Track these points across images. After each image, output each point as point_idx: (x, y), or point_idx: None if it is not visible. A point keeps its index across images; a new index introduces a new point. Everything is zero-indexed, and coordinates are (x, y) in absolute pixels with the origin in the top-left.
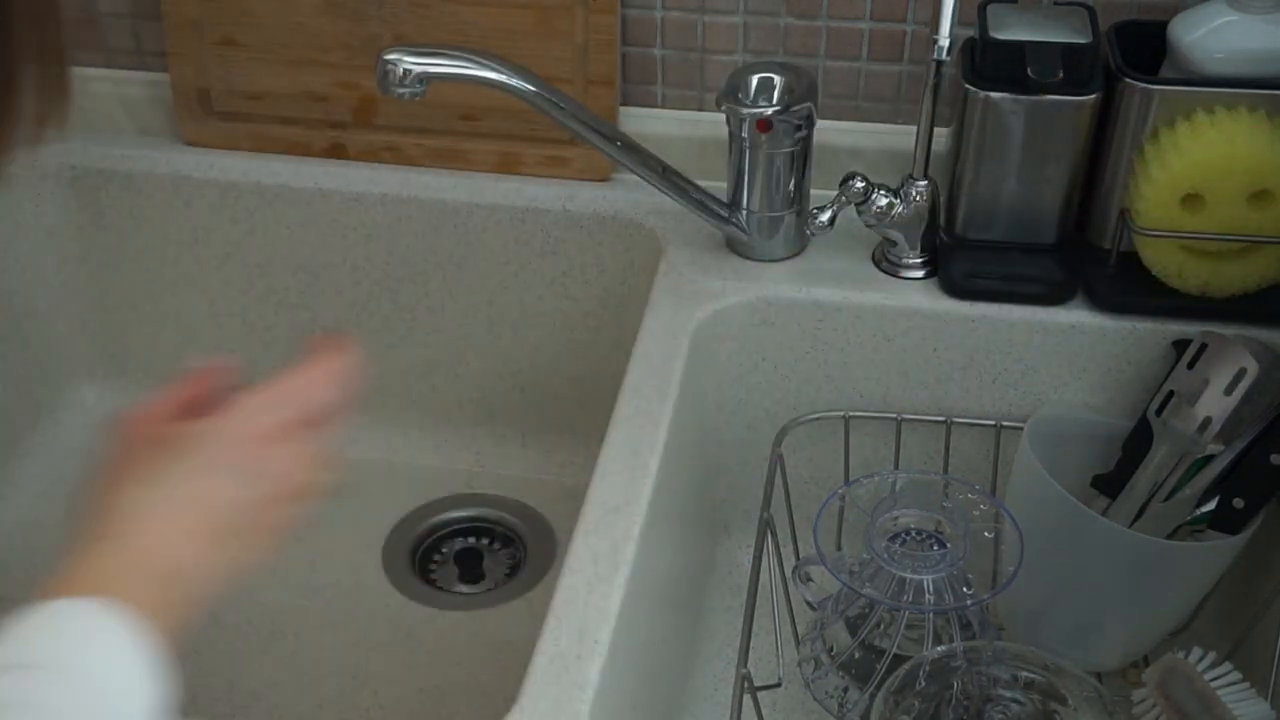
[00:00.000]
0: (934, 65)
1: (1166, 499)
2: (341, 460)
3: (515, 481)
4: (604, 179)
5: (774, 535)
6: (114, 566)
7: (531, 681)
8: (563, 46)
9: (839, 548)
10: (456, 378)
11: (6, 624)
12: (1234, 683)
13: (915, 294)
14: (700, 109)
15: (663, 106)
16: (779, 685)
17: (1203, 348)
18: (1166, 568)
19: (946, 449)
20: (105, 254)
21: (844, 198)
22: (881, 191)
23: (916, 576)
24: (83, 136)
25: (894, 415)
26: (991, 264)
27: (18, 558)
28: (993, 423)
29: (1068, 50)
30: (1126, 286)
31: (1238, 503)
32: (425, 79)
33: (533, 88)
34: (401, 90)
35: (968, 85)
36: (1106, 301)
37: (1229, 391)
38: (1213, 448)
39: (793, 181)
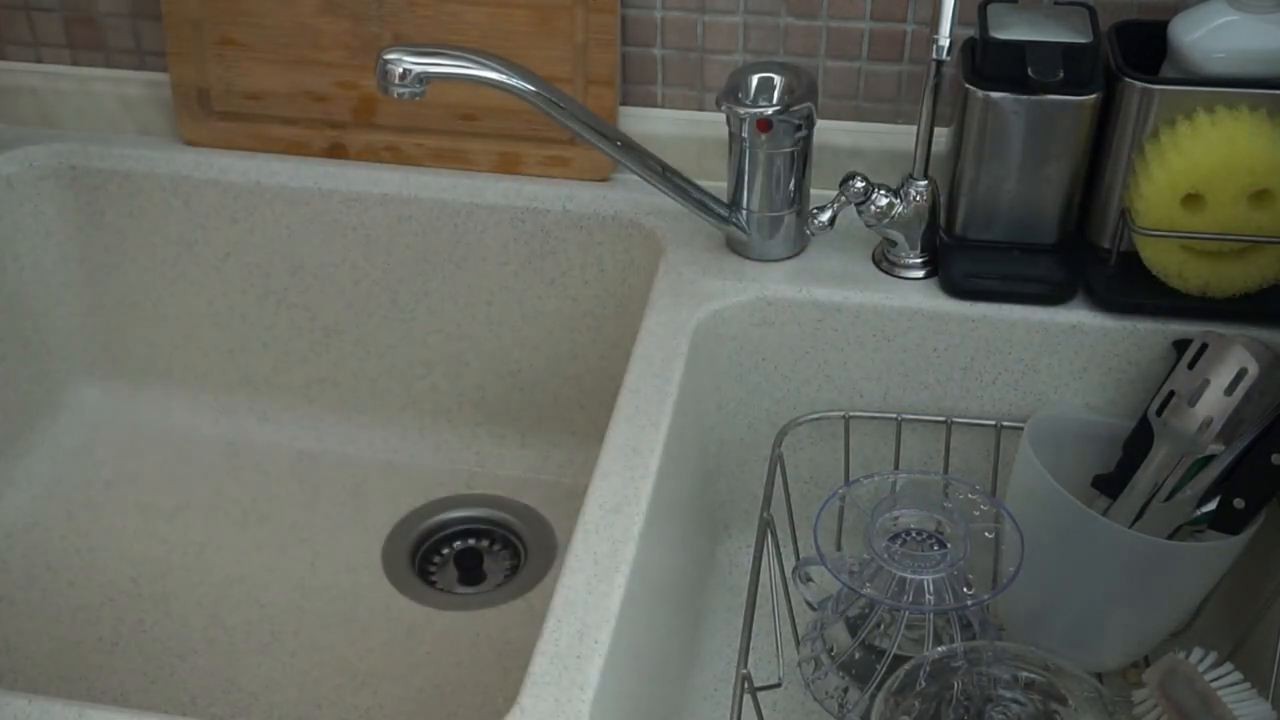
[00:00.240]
0: (934, 65)
1: (1167, 499)
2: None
3: (515, 481)
4: (604, 179)
5: (774, 535)
6: None
7: (531, 681)
8: (562, 46)
9: (839, 548)
10: (456, 378)
11: None
12: (1235, 683)
13: (915, 294)
14: (700, 109)
15: (663, 106)
16: (779, 685)
17: (1203, 348)
18: (1167, 568)
19: (946, 449)
20: (105, 254)
21: (844, 198)
22: (881, 191)
23: (917, 577)
24: (83, 136)
25: (894, 415)
26: (991, 264)
27: (18, 558)
28: (993, 423)
29: (1068, 50)
30: (1127, 286)
31: (1238, 503)
32: (425, 79)
33: (533, 88)
34: (401, 90)
35: (968, 85)
36: (1107, 301)
37: (1229, 391)
38: (1213, 448)
39: (793, 181)
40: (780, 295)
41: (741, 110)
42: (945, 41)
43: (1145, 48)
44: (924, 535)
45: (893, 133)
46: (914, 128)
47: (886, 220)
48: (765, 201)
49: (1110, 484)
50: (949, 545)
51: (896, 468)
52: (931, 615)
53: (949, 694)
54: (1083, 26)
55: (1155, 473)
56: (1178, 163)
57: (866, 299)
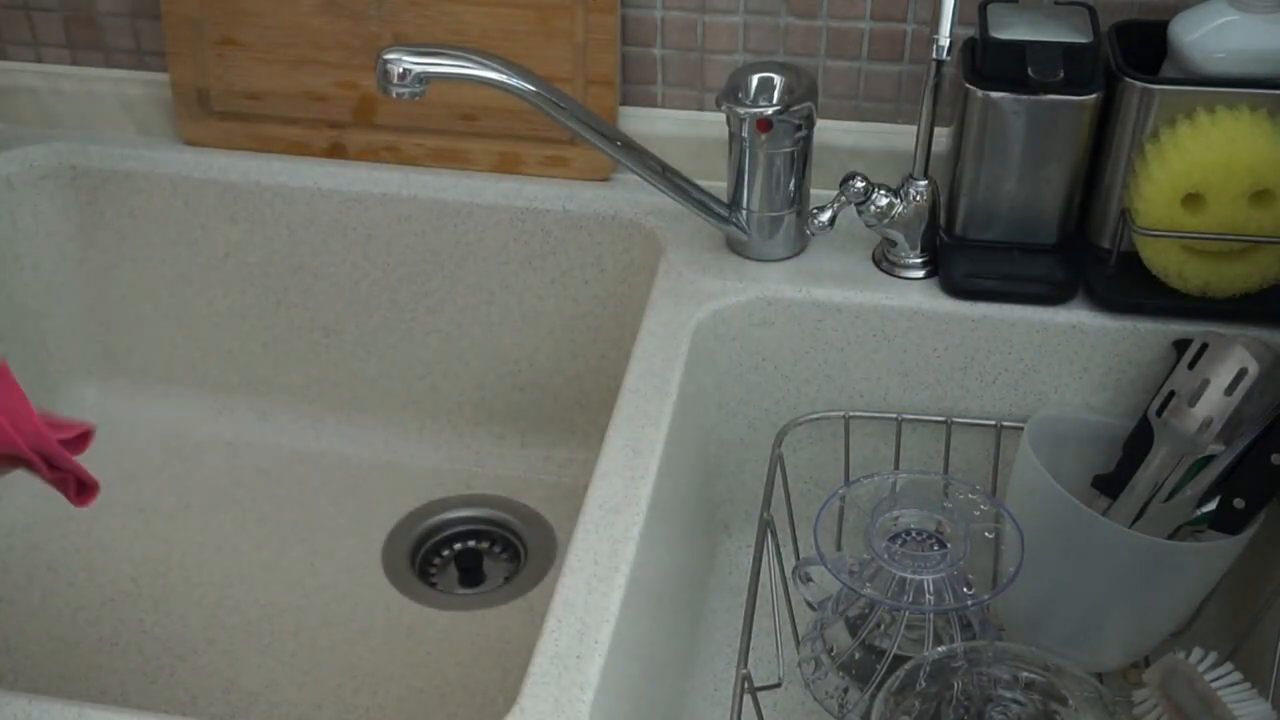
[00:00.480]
0: (934, 65)
1: (1167, 499)
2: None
3: (515, 482)
4: (604, 179)
5: (774, 535)
6: None
7: (531, 681)
8: (562, 46)
9: (839, 548)
10: (456, 378)
11: None
12: (1235, 683)
13: (915, 294)
14: (700, 109)
15: (663, 106)
16: (779, 685)
17: (1203, 348)
18: (1167, 568)
19: (947, 449)
20: (105, 254)
21: (844, 198)
22: (881, 191)
23: (917, 577)
24: (83, 136)
25: (894, 415)
26: (991, 264)
27: (18, 558)
28: (993, 423)
29: (1068, 50)
30: (1127, 286)
31: (1238, 503)
32: (425, 79)
33: (533, 88)
34: (401, 90)
35: (968, 85)
36: (1107, 301)
37: (1229, 391)
38: (1213, 448)
39: (793, 181)
40: (780, 295)
41: (741, 110)
42: (945, 41)
43: (1145, 48)
44: (924, 535)
45: (893, 133)
46: (914, 128)
47: (886, 220)
48: (765, 201)
49: (1110, 484)
50: (949, 545)
51: (896, 468)
52: (931, 615)
53: (949, 694)
54: (1083, 26)
55: (1155, 473)
56: (1178, 163)
57: (866, 299)
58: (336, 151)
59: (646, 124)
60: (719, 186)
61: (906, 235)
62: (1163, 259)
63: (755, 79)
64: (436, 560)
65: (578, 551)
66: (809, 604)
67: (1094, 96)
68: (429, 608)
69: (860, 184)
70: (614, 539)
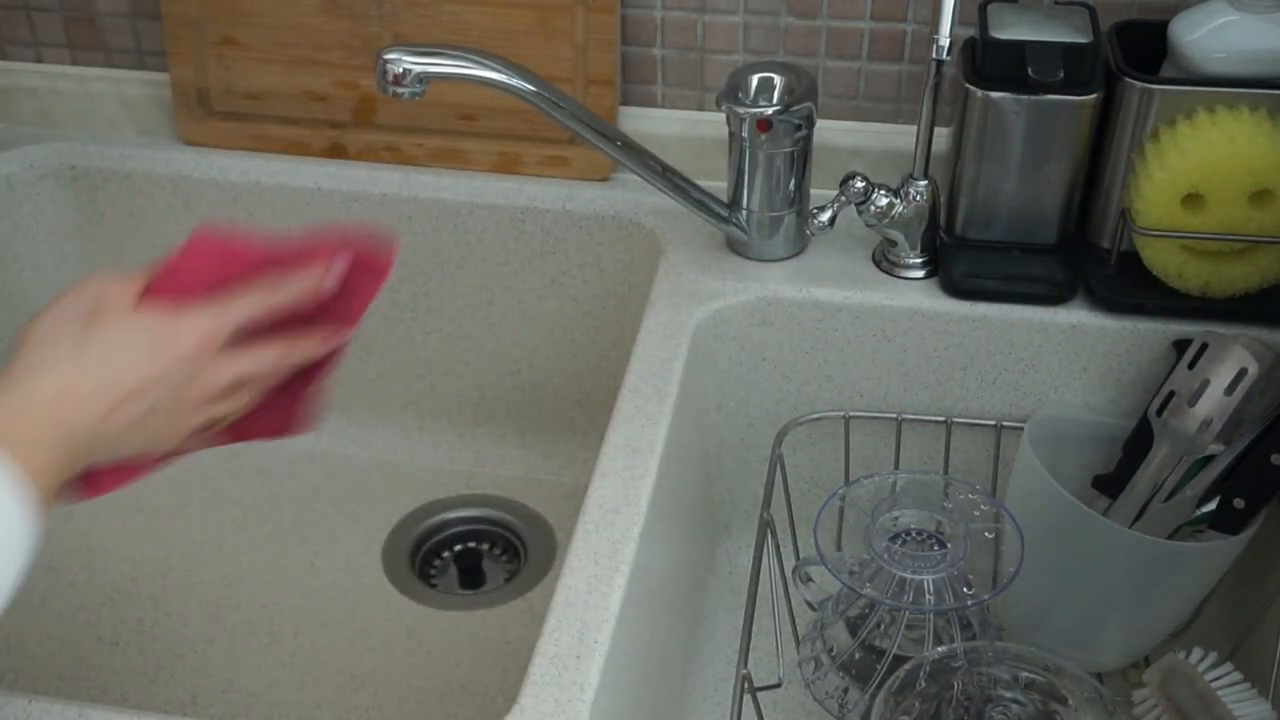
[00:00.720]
0: (934, 65)
1: (1167, 499)
2: (256, 387)
3: (515, 482)
4: (604, 179)
5: (774, 535)
6: (31, 404)
7: (531, 681)
8: (562, 46)
9: (839, 548)
10: (456, 378)
11: None
12: (1235, 683)
13: (915, 294)
14: (700, 109)
15: (663, 106)
16: (779, 685)
17: (1203, 348)
18: (1167, 568)
19: (947, 449)
20: (105, 253)
21: (844, 198)
22: (882, 191)
23: (917, 577)
24: (83, 136)
25: (894, 415)
26: (991, 264)
27: None
28: (993, 423)
29: (1068, 50)
30: (1127, 286)
31: (1238, 503)
32: (425, 79)
33: (533, 88)
34: (401, 90)
35: (968, 85)
36: (1107, 301)
37: (1229, 391)
38: (1213, 448)
39: (793, 181)
40: (780, 295)
41: (741, 110)
42: (945, 41)
43: (1145, 48)
44: (924, 535)
45: (893, 133)
46: (914, 128)
47: (886, 220)
48: (765, 201)
49: (1110, 484)
50: (949, 545)
51: (896, 468)
52: (931, 615)
53: (949, 694)
54: (1083, 26)
55: (1155, 473)
56: (1178, 163)
57: (866, 299)
58: (336, 151)
59: (646, 124)
60: (719, 186)
61: (906, 235)
62: (1163, 259)
63: (755, 79)
64: (436, 561)
65: (578, 551)
66: (809, 604)
67: (1094, 96)
68: (429, 608)
69: (860, 184)
70: (614, 539)
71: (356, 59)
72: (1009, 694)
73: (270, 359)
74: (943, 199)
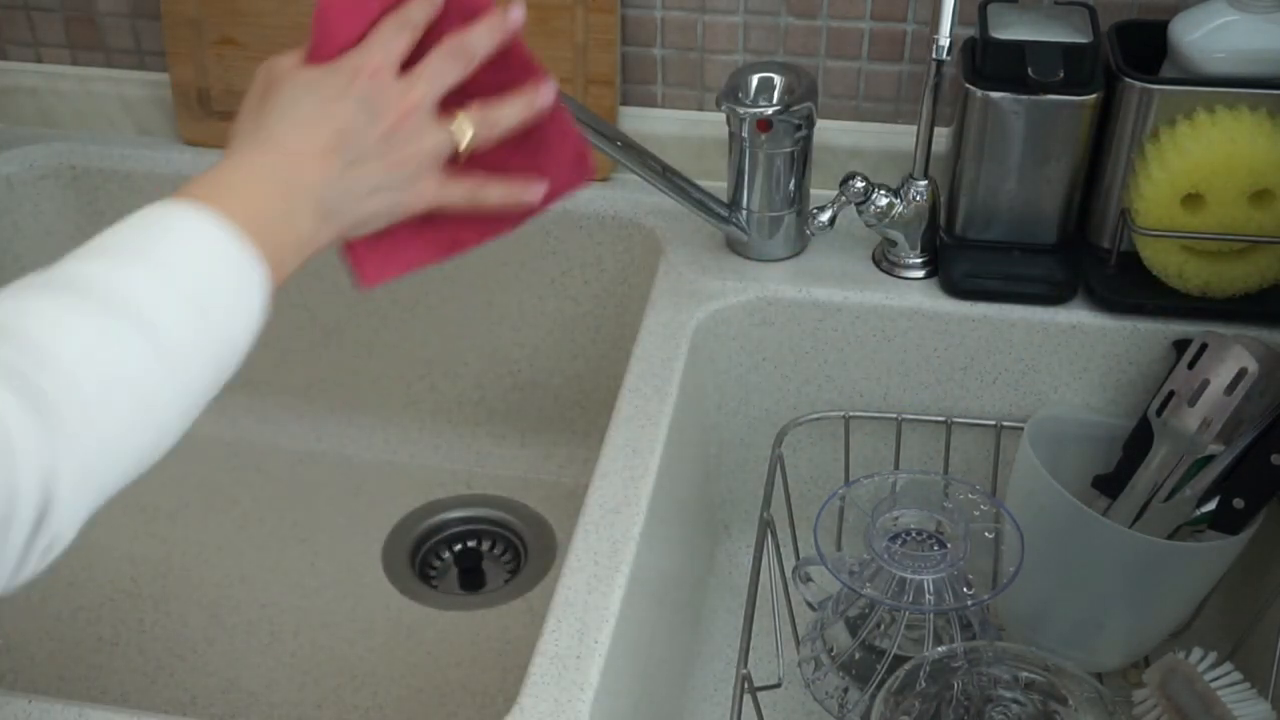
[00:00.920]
0: (934, 65)
1: (1167, 499)
2: (480, 124)
3: (515, 482)
4: (604, 179)
5: (774, 535)
6: (244, 177)
7: (531, 681)
8: (562, 46)
9: (839, 548)
10: (456, 378)
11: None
12: (1234, 683)
13: (915, 294)
14: (700, 109)
15: (663, 106)
16: (779, 685)
17: (1203, 348)
18: (1167, 568)
19: (947, 449)
20: None
21: (844, 198)
22: (881, 191)
23: (917, 577)
24: (83, 136)
25: (894, 415)
26: (991, 264)
27: None
28: (993, 423)
29: (1068, 50)
30: (1127, 286)
31: (1238, 503)
32: None
33: None
34: None
35: (968, 85)
36: (1107, 301)
37: (1229, 391)
38: (1213, 448)
39: (793, 181)
40: (780, 295)
41: (741, 110)
42: (945, 41)
43: (1145, 48)
44: (924, 535)
45: (893, 133)
46: (914, 128)
47: (886, 220)
48: (765, 201)
49: (1110, 484)
50: (949, 545)
51: (896, 468)
52: (931, 615)
53: (949, 694)
54: (1083, 26)
55: (1155, 473)
56: (1178, 163)
57: (866, 299)
58: None
59: (646, 124)
60: (719, 186)
61: (906, 235)
62: (1163, 259)
63: (755, 79)
64: (436, 561)
65: (578, 551)
66: (809, 604)
67: (1094, 96)
68: (429, 608)
69: (860, 184)
70: (614, 539)
71: None
72: (1009, 694)
73: (444, 63)
74: (943, 199)
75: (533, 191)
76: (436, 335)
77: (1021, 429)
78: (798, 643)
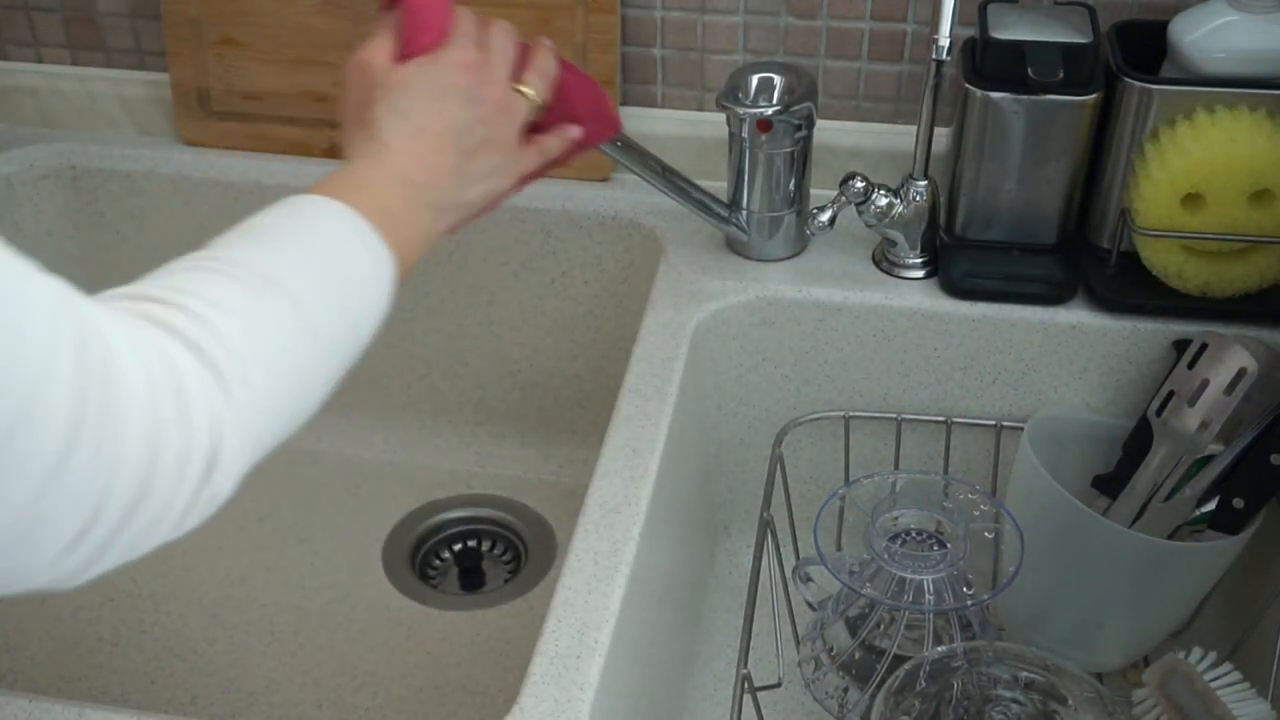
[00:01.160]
0: (934, 65)
1: (1167, 499)
2: (539, 81)
3: (515, 482)
4: (604, 179)
5: (774, 535)
6: (370, 181)
7: (531, 681)
8: (563, 46)
9: (839, 548)
10: (456, 378)
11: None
12: (1234, 683)
13: (915, 294)
14: (700, 109)
15: (663, 106)
16: (779, 685)
17: (1203, 348)
18: (1167, 568)
19: (946, 449)
20: (105, 254)
21: (844, 198)
22: (881, 191)
23: (916, 577)
24: (83, 136)
25: (894, 415)
26: (991, 264)
27: None
28: (993, 423)
29: (1068, 50)
30: (1126, 286)
31: (1238, 503)
32: None
33: None
34: None
35: (968, 85)
36: (1107, 301)
37: (1229, 391)
38: (1213, 448)
39: (793, 181)
40: (780, 295)
41: (741, 110)
42: (945, 41)
43: (1145, 48)
44: (924, 535)
45: (893, 133)
46: (914, 128)
47: (886, 220)
48: (765, 201)
49: (1110, 484)
50: (949, 545)
51: (896, 468)
52: (931, 615)
53: (949, 694)
54: (1083, 26)
55: (1155, 473)
56: (1177, 163)
57: (866, 299)
58: (336, 151)
59: (646, 124)
60: (719, 186)
61: (906, 235)
62: (1162, 259)
63: (755, 79)
64: (436, 561)
65: (578, 551)
66: (809, 604)
67: (1094, 96)
68: (429, 607)
69: (860, 184)
70: (614, 539)
71: None
72: (1009, 694)
73: (504, 39)
74: (942, 199)
75: (573, 130)
76: (436, 335)
77: (1021, 429)
78: (798, 643)
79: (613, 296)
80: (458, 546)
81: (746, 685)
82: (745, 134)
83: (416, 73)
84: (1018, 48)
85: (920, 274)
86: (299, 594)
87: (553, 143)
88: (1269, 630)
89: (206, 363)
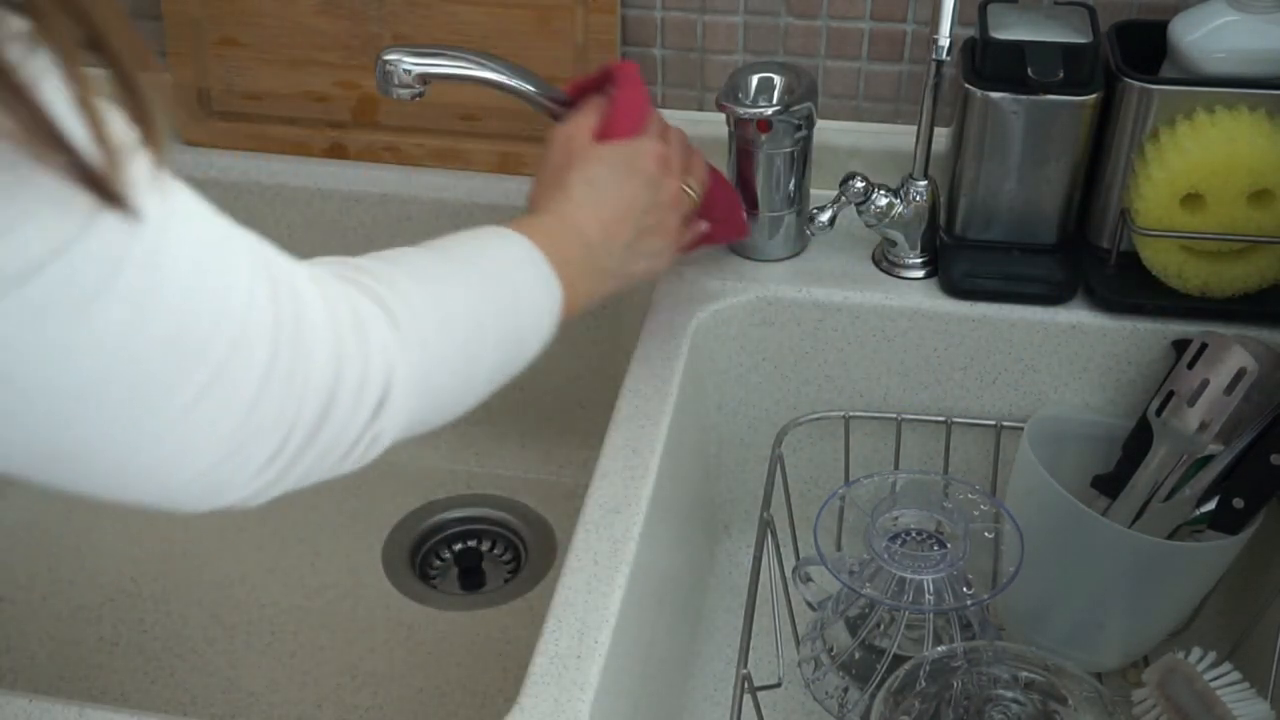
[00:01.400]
0: (934, 65)
1: (1166, 499)
2: (697, 184)
3: (515, 482)
4: None
5: (774, 535)
6: (556, 232)
7: (531, 681)
8: (562, 46)
9: (839, 548)
10: None
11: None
12: (1234, 683)
13: (915, 294)
14: (700, 109)
15: (663, 106)
16: (779, 685)
17: (1202, 348)
18: (1166, 568)
19: (946, 449)
20: None
21: (844, 198)
22: (881, 191)
23: (916, 576)
24: None
25: (894, 415)
26: (991, 264)
27: (18, 558)
28: (993, 423)
29: (1068, 50)
30: (1126, 286)
31: (1237, 503)
32: (425, 79)
33: (533, 88)
34: (401, 90)
35: (968, 85)
36: (1106, 301)
37: (1229, 391)
38: (1212, 448)
39: (793, 181)
40: (780, 295)
41: (741, 110)
42: (945, 41)
43: (1145, 48)
44: (924, 535)
45: (893, 133)
46: (914, 128)
47: (886, 220)
48: (765, 201)
49: (1110, 484)
50: (949, 545)
51: (896, 468)
52: (931, 615)
53: (949, 694)
54: (1083, 26)
55: (1155, 473)
56: (1177, 163)
57: (866, 299)
58: (336, 151)
59: None
60: None
61: (906, 235)
62: (1162, 259)
63: (755, 79)
64: (436, 561)
65: (578, 551)
66: (809, 604)
67: (1093, 96)
68: (429, 607)
69: (860, 184)
70: (614, 539)
71: (356, 59)
72: (1009, 694)
73: (685, 151)
74: (942, 199)
75: (703, 225)
76: None
77: (1021, 429)
78: (798, 643)
79: (613, 296)
80: (458, 546)
81: (746, 685)
82: (747, 134)
83: (613, 152)
84: (1018, 48)
85: (920, 274)
86: (299, 594)
87: (688, 235)
88: (1268, 630)
89: (387, 311)
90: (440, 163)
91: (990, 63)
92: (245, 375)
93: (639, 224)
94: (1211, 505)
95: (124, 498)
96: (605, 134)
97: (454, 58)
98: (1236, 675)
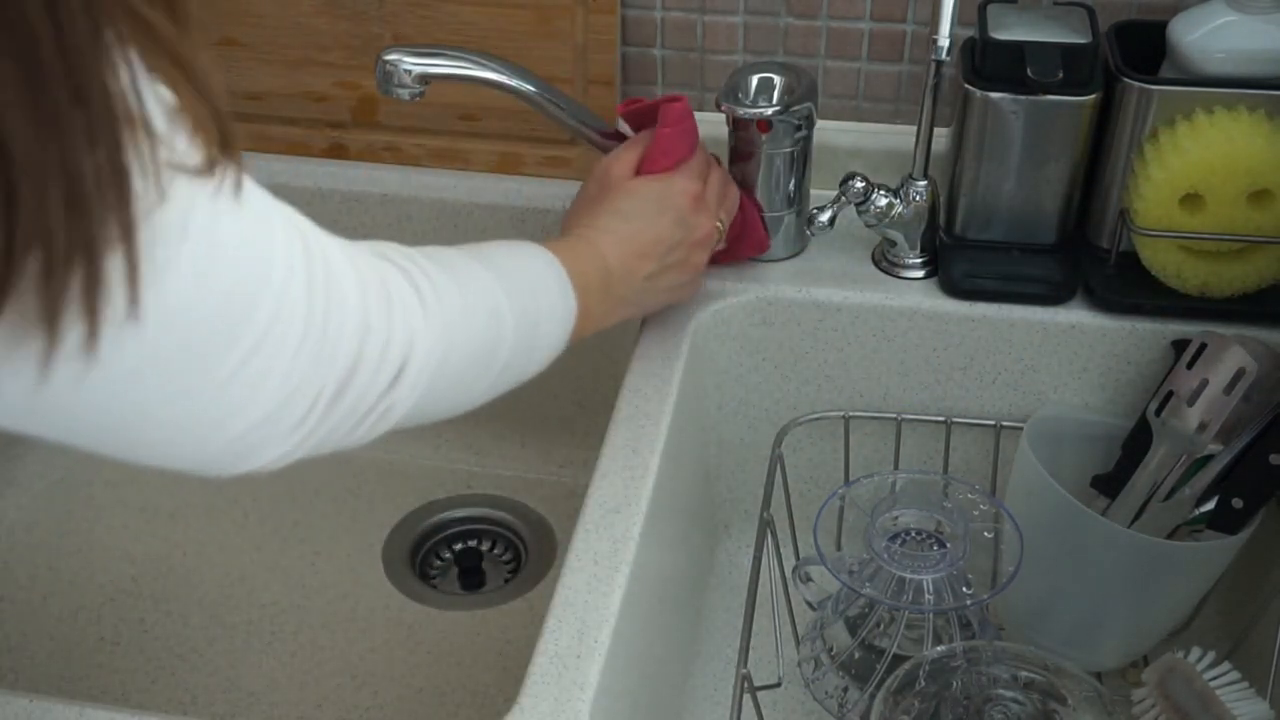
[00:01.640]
0: (934, 65)
1: (1166, 499)
2: (728, 217)
3: (515, 482)
4: None
5: (774, 535)
6: (579, 253)
7: (531, 681)
8: (562, 46)
9: (839, 548)
10: None
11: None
12: (1233, 682)
13: (915, 294)
14: (700, 109)
15: None
16: (779, 685)
17: (1202, 348)
18: (1166, 568)
19: (946, 449)
20: None
21: (844, 198)
22: (881, 191)
23: (916, 576)
24: None
25: (894, 415)
26: (991, 264)
27: (18, 558)
28: (993, 423)
29: (1068, 50)
30: (1126, 286)
31: (1237, 503)
32: (425, 79)
33: (533, 88)
34: (401, 90)
35: (968, 85)
36: (1106, 301)
37: (1228, 391)
38: (1212, 447)
39: (793, 181)
40: (780, 295)
41: (741, 110)
42: (945, 41)
43: (1145, 48)
44: (924, 535)
45: (893, 133)
46: (914, 128)
47: (886, 220)
48: (765, 202)
49: (1109, 484)
50: (949, 545)
51: (896, 468)
52: (931, 615)
53: (948, 694)
54: (1082, 27)
55: (1154, 472)
56: (1177, 163)
57: (866, 299)
58: (336, 151)
59: None
60: None
61: (906, 235)
62: (1161, 259)
63: (755, 79)
64: (436, 560)
65: (578, 551)
66: (809, 604)
67: (1093, 97)
68: (429, 607)
69: (860, 184)
70: (614, 539)
71: (356, 59)
72: (1008, 693)
73: (725, 190)
74: (942, 199)
75: (720, 245)
76: None
77: (1021, 429)
78: (798, 642)
79: None
80: (458, 546)
81: (746, 685)
82: (747, 134)
83: (647, 187)
84: (1017, 48)
85: (920, 274)
86: (299, 594)
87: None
88: (1268, 630)
89: (415, 288)
90: (440, 163)
91: (990, 63)
92: (284, 342)
93: (664, 260)
94: (1211, 505)
95: (161, 463)
96: (645, 169)
97: (454, 58)
98: (1236, 675)
